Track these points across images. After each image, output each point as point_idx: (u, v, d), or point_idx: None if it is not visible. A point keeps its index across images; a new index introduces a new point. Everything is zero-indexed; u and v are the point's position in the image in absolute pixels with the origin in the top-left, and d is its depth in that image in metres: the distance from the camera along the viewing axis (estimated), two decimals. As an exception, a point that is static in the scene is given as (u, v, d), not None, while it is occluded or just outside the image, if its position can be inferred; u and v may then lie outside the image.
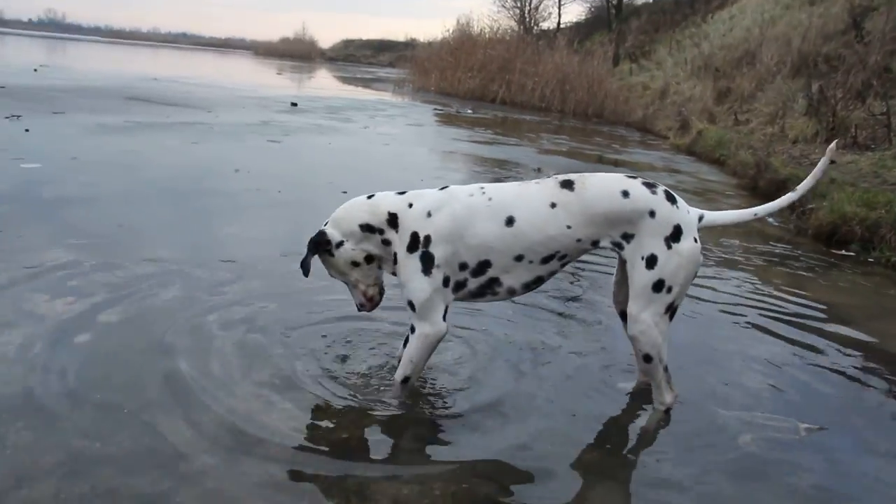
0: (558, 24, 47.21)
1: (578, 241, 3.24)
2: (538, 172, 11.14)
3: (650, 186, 3.22)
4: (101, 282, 4.45)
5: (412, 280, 3.20)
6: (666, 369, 3.39)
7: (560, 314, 4.81)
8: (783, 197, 3.51)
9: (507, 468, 2.97)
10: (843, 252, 7.64)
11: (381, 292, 3.50)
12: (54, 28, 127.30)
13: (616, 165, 13.45)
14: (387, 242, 3.31)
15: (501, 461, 3.01)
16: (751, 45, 24.32)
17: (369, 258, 3.36)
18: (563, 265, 3.38)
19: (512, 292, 3.36)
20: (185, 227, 6.09)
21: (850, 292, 6.24)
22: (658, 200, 3.18)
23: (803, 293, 5.93)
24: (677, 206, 3.21)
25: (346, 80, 39.39)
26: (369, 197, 3.42)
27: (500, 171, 10.60)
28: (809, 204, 8.89)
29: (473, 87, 28.93)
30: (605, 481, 2.97)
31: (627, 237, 3.21)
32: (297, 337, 3.95)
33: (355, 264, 3.37)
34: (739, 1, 33.67)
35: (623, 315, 3.46)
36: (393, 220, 3.29)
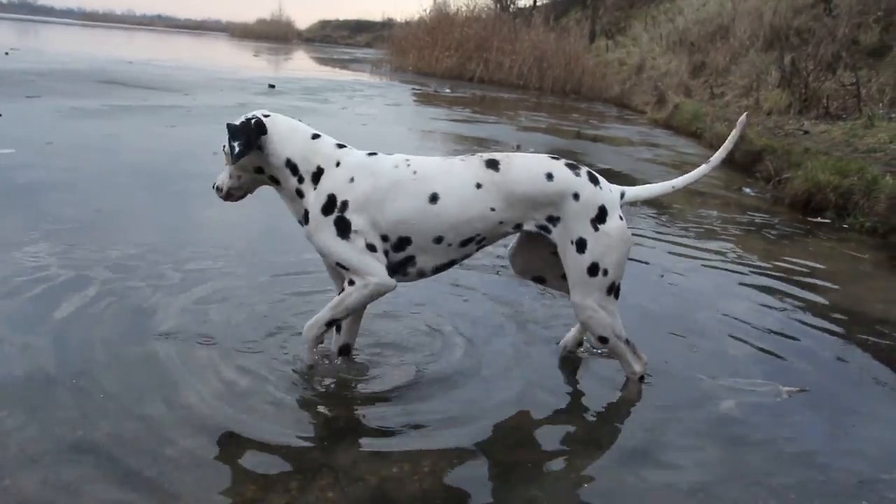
0: (534, 1, 46.81)
1: (501, 223, 3.14)
2: (517, 149, 11.09)
3: (573, 168, 3.14)
4: (77, 267, 4.35)
5: (331, 245, 3.10)
6: (627, 342, 3.32)
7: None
8: (698, 168, 3.39)
9: (493, 440, 2.95)
10: (819, 219, 7.67)
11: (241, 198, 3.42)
12: (26, 10, 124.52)
13: (594, 141, 13.41)
14: (300, 193, 3.20)
15: (487, 436, 2.98)
16: (724, 19, 24.30)
17: (272, 179, 3.27)
18: (479, 248, 3.27)
19: (421, 274, 3.25)
20: (163, 211, 5.99)
21: (828, 258, 6.26)
22: (581, 182, 3.10)
23: (782, 260, 5.94)
24: (600, 187, 3.13)
25: (323, 62, 39.00)
26: (315, 136, 3.29)
27: (480, 148, 10.49)
28: (785, 173, 8.92)
29: (451, 66, 28.75)
30: (592, 451, 2.94)
31: (553, 220, 3.12)
32: (278, 319, 3.89)
33: (257, 171, 3.26)
34: (712, -24, 33.66)
35: (533, 279, 3.58)
36: (318, 175, 3.17)
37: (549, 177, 3.07)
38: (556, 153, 9.32)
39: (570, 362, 3.70)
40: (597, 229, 3.07)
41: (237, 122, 3.16)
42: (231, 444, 2.74)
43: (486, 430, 3.01)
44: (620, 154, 11.65)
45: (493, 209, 3.08)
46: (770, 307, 4.78)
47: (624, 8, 38.67)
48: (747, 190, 9.14)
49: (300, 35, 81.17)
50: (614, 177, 9.26)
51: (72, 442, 2.65)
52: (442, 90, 21.97)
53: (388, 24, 49.59)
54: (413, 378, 3.36)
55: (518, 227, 3.17)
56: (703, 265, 5.64)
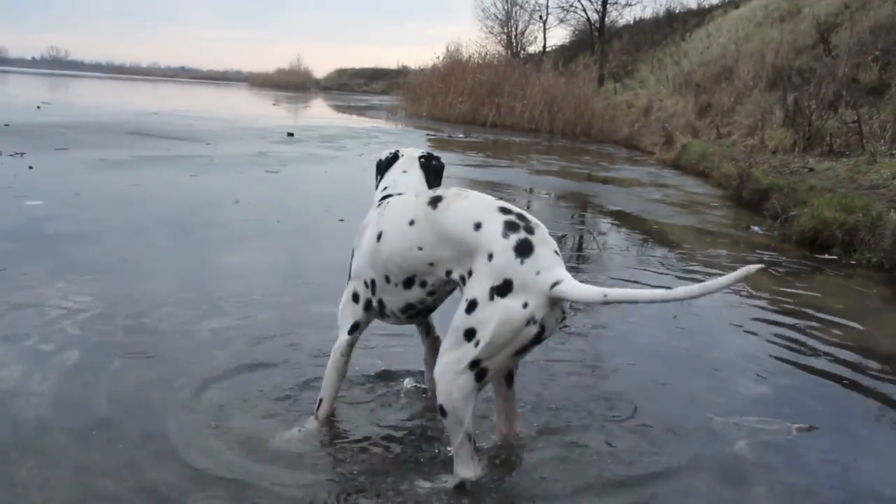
0: (544, 47, 47.30)
1: (431, 265, 2.81)
2: (530, 194, 11.15)
3: (510, 228, 2.61)
4: (102, 316, 4.38)
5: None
6: (470, 439, 2.70)
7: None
8: (653, 291, 2.54)
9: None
10: (826, 256, 7.61)
11: None
12: (57, 65, 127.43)
13: (605, 183, 13.45)
14: None
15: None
16: (728, 61, 24.45)
17: None
18: (431, 297, 2.96)
19: (397, 317, 3.07)
20: (186, 259, 6.03)
21: (835, 294, 6.20)
22: (503, 245, 2.57)
23: (791, 297, 5.89)
24: (522, 262, 2.54)
25: (340, 109, 39.49)
26: (403, 172, 3.34)
27: (493, 192, 10.53)
28: (792, 211, 8.88)
29: (464, 111, 29.00)
30: (607, 496, 2.90)
31: (470, 274, 2.67)
32: (298, 367, 3.87)
33: None
34: (715, 19, 33.94)
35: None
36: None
37: (477, 227, 2.66)
38: (568, 196, 9.36)
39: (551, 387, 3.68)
40: (492, 299, 2.54)
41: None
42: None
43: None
44: (630, 195, 11.66)
45: (420, 248, 2.82)
46: (780, 344, 4.73)
47: (631, 52, 39.04)
48: (755, 228, 9.10)
49: (318, 83, 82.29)
50: (625, 218, 9.29)
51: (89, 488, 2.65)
52: (456, 135, 22.15)
53: (402, 72, 50.24)
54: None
55: (449, 273, 2.79)
56: (713, 304, 5.59)
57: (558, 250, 2.67)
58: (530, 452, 3.13)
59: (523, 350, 2.61)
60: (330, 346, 3.18)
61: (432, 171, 3.36)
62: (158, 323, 4.33)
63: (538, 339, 2.58)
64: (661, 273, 6.47)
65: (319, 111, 37.34)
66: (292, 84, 73.29)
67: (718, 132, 19.08)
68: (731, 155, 14.57)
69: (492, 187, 11.13)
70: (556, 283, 2.52)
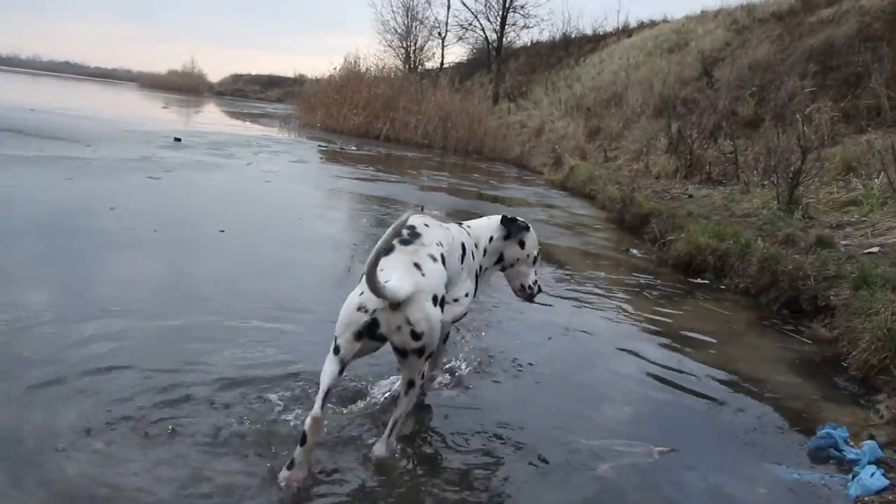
0: (441, 63, 47.77)
1: None
2: (421, 211, 11.20)
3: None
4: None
5: None
6: (322, 391, 2.88)
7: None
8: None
9: None
10: (699, 280, 7.96)
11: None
12: None
13: (493, 202, 13.64)
14: None
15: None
16: (618, 87, 25.37)
17: None
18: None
19: None
20: (55, 267, 5.76)
21: (705, 318, 6.49)
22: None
23: (663, 320, 6.13)
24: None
25: (233, 115, 38.61)
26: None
27: (380, 208, 10.54)
28: (669, 236, 9.26)
29: (358, 123, 28.87)
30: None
31: None
32: (163, 382, 3.75)
33: None
34: (609, 46, 35.15)
35: None
36: None
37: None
38: (456, 214, 9.41)
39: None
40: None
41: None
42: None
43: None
44: (517, 215, 11.85)
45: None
46: (650, 366, 4.91)
47: (526, 73, 39.90)
48: (635, 251, 9.43)
49: (212, 88, 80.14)
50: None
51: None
52: (348, 147, 22.00)
53: (299, 80, 49.59)
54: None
55: None
56: (588, 326, 5.76)
57: (420, 263, 3.01)
58: (386, 476, 3.13)
59: (360, 335, 2.88)
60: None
61: None
62: (20, 332, 4.11)
63: (372, 330, 2.87)
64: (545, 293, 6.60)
65: (211, 116, 36.38)
66: (185, 87, 71.05)
67: (606, 156, 19.74)
68: (617, 178, 15.09)
69: (380, 202, 11.13)
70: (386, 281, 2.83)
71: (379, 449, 3.13)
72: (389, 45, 48.65)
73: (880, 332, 4.86)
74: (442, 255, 3.22)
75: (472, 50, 48.72)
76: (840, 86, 14.40)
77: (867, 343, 4.95)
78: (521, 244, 3.96)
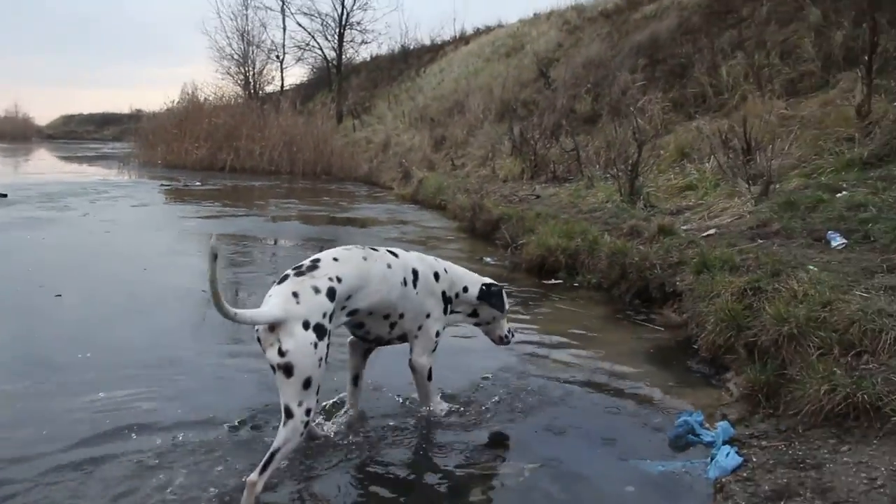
0: (282, 86, 47.02)
1: None
2: (269, 244, 10.89)
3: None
4: None
5: None
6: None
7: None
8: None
9: None
10: (553, 281, 8.07)
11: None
12: None
13: (345, 224, 13.45)
14: None
15: None
16: (459, 95, 25.73)
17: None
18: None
19: None
20: None
21: (561, 319, 6.58)
22: None
23: (521, 326, 6.12)
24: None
25: (67, 160, 36.29)
26: None
27: (230, 247, 10.07)
28: (521, 239, 9.36)
29: (202, 157, 27.90)
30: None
31: None
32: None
33: None
34: (447, 55, 35.68)
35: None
36: None
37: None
38: (308, 243, 9.19)
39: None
40: None
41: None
42: None
43: None
44: (369, 235, 11.72)
45: None
46: (507, 378, 4.88)
47: (368, 88, 39.91)
48: (488, 259, 9.47)
49: (41, 132, 75.46)
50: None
51: None
52: (192, 184, 21.09)
53: (135, 116, 47.66)
54: None
55: None
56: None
57: (299, 292, 3.33)
58: None
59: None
60: None
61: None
62: None
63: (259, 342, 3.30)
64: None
65: (42, 164, 34.02)
66: (9, 134, 66.47)
67: (453, 164, 19.92)
68: (465, 186, 15.22)
69: (229, 240, 10.64)
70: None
71: (252, 477, 3.12)
72: (227, 72, 47.45)
73: (723, 314, 5.03)
74: (330, 288, 3.42)
75: (312, 70, 48.30)
76: (667, 77, 15.14)
77: (713, 325, 5.11)
78: (499, 306, 4.37)
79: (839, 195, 7.24)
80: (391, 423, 4.09)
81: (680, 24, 16.96)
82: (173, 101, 32.46)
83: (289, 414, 3.19)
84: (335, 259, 3.62)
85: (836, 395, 3.52)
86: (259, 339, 3.27)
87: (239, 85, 46.85)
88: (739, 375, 4.54)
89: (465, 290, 4.26)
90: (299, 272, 3.46)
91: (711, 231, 7.70)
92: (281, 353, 3.19)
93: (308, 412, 3.22)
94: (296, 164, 26.67)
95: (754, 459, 3.50)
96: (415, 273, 3.96)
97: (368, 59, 45.74)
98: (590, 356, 5.49)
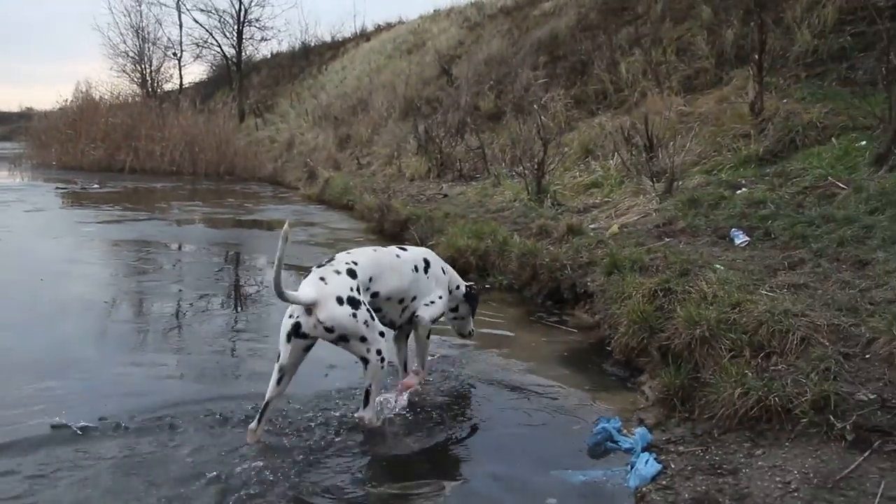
0: (181, 85, 45.64)
1: None
2: (173, 250, 10.50)
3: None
4: None
5: None
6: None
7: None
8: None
9: None
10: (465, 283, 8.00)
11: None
12: None
13: (251, 227, 13.10)
14: None
15: None
16: (363, 93, 25.52)
17: None
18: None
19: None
20: None
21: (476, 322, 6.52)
22: None
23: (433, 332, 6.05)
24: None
25: (-51, 166, 34.31)
26: None
27: (132, 253, 9.61)
28: (430, 241, 9.28)
29: (99, 157, 26.74)
30: None
31: None
32: None
33: None
34: (349, 52, 35.36)
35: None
36: None
37: None
38: (213, 248, 8.88)
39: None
40: None
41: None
42: None
43: None
44: (277, 238, 11.41)
45: None
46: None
47: (270, 86, 39.17)
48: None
49: (-84, 137, 71.04)
50: (273, 264, 9.07)
51: None
52: (90, 186, 20.15)
53: (26, 115, 45.40)
54: None
55: None
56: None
57: (325, 276, 3.91)
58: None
59: (289, 337, 3.88)
60: None
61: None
62: None
63: (297, 329, 3.85)
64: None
65: (-81, 172, 32.08)
66: None
67: (359, 163, 19.74)
68: (372, 185, 15.08)
69: (131, 246, 10.19)
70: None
71: (360, 413, 4.03)
72: (123, 70, 45.72)
73: (635, 315, 5.07)
74: (350, 269, 3.99)
75: (211, 67, 47.07)
76: (569, 74, 15.34)
77: (625, 327, 5.15)
78: (474, 308, 5.13)
79: (739, 192, 7.45)
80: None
81: (578, 21, 17.22)
82: (66, 100, 31.09)
83: (365, 361, 3.92)
84: (347, 253, 4.22)
85: (748, 398, 3.57)
86: (300, 328, 3.82)
87: (136, 83, 45.23)
88: (654, 379, 4.58)
89: (458, 287, 4.95)
90: (320, 265, 4.03)
91: (616, 230, 7.80)
92: (326, 328, 3.80)
93: (378, 352, 3.90)
94: (198, 164, 25.93)
95: (672, 466, 3.51)
96: (426, 262, 4.62)
97: (269, 56, 44.95)
98: (504, 360, 5.45)
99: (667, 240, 6.85)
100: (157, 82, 46.82)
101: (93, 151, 26.88)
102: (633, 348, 5.06)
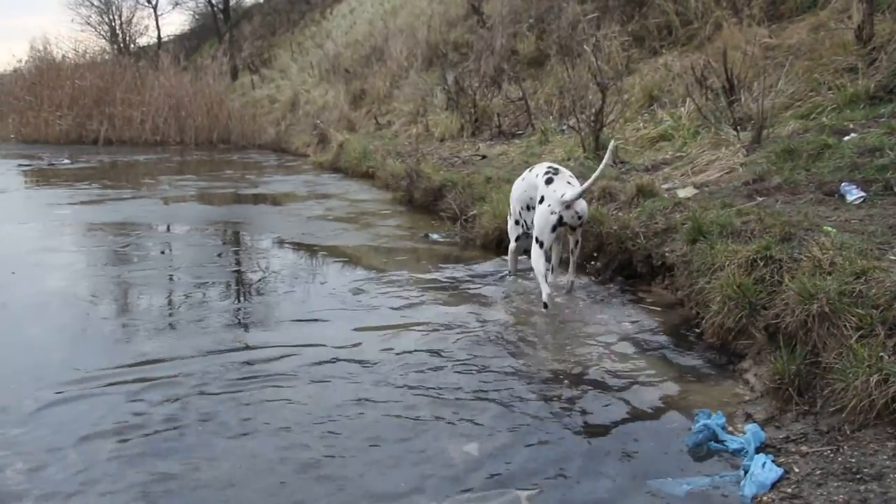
0: (159, 38, 45.90)
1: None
2: (165, 232, 10.50)
3: (546, 174, 6.37)
4: None
5: None
6: (543, 277, 6.23)
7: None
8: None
9: None
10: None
11: None
12: None
13: (256, 202, 13.11)
14: None
15: None
16: (377, 39, 25.38)
17: None
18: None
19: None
20: None
21: (532, 302, 6.43)
22: (542, 182, 6.33)
23: (480, 319, 5.99)
24: (547, 186, 6.25)
25: None
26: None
27: (118, 238, 9.63)
28: (471, 210, 9.21)
29: (67, 128, 26.96)
30: None
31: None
32: None
33: None
34: (357, -8, 35.18)
35: None
36: None
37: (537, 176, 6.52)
38: (213, 227, 8.85)
39: None
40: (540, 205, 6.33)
41: None
42: None
43: None
44: (287, 215, 11.43)
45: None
46: (485, 382, 4.73)
47: (266, 36, 39.23)
48: (434, 236, 9.30)
49: None
50: (284, 247, 9.07)
51: None
52: (60, 162, 20.29)
53: (-31, 81, 45.94)
54: None
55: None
56: (410, 346, 5.48)
57: (571, 180, 6.28)
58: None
59: (553, 228, 6.14)
60: None
61: None
62: None
63: (560, 222, 6.12)
64: (343, 309, 6.29)
65: None
66: None
67: (378, 123, 19.70)
68: (396, 149, 15.01)
69: (116, 230, 10.20)
70: (562, 195, 6.08)
71: (567, 277, 6.67)
72: (87, 23, 46.02)
73: (730, 290, 4.94)
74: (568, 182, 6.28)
75: (194, 16, 47.32)
76: (624, 6, 15.07)
77: (719, 304, 5.02)
78: None
79: (847, 138, 7.25)
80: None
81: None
82: (21, 60, 31.29)
83: (577, 243, 6.44)
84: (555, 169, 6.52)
85: (889, 386, 3.46)
86: (560, 217, 6.11)
87: (104, 38, 45.58)
88: (761, 365, 4.48)
89: None
90: (556, 172, 6.39)
91: (694, 191, 7.66)
92: (579, 217, 6.23)
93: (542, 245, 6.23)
94: (186, 131, 26.09)
95: (796, 470, 3.42)
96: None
97: (262, 0, 44.90)
98: (570, 348, 5.37)
99: (759, 199, 6.69)
100: (130, 36, 47.09)
101: (59, 121, 27.08)
102: (729, 329, 4.93)
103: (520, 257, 7.23)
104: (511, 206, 7.01)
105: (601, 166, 5.87)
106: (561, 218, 6.02)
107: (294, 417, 4.29)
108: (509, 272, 7.22)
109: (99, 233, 10.21)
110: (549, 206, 6.08)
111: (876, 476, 3.17)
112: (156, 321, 6.23)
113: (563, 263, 6.91)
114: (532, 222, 6.44)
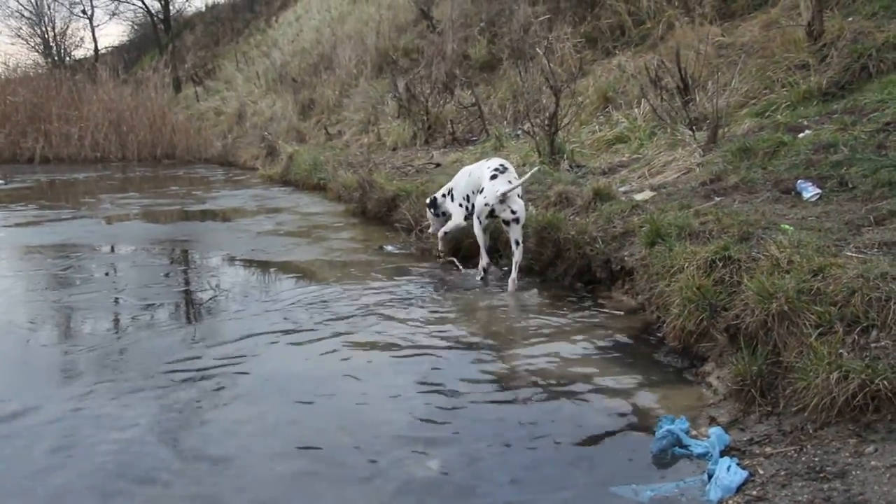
0: (96, 50, 45.45)
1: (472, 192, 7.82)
2: (109, 253, 10.36)
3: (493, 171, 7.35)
4: None
5: None
6: (485, 251, 7.55)
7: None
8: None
9: None
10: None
11: None
12: None
13: (203, 219, 13.00)
14: None
15: None
16: (324, 47, 25.37)
17: None
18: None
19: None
20: None
21: (492, 311, 6.49)
22: (487, 177, 7.32)
23: (439, 327, 6.01)
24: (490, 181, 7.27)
25: None
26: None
27: (58, 260, 9.46)
28: (425, 221, 9.23)
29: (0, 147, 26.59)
30: None
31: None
32: None
33: None
34: (302, -1, 35.13)
35: None
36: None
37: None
38: (160, 246, 8.72)
39: None
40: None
41: None
42: None
43: None
44: (237, 231, 11.34)
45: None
46: (441, 383, 4.75)
47: (209, 46, 39.00)
48: (389, 248, 9.31)
49: None
50: (234, 264, 9.01)
51: None
52: (-9, 183, 20.04)
53: None
54: None
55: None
56: (366, 361, 5.49)
57: (513, 179, 7.20)
58: None
59: (489, 215, 7.19)
60: None
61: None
62: None
63: (492, 214, 7.16)
64: (296, 327, 6.27)
65: None
66: None
67: (328, 133, 19.67)
68: (347, 159, 14.99)
69: (55, 252, 10.04)
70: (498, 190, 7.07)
71: (510, 284, 7.07)
72: (17, 35, 45.39)
73: (690, 292, 5.02)
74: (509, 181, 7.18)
75: (133, 27, 46.84)
76: (576, 8, 15.24)
77: (679, 308, 5.09)
78: None
79: (801, 135, 7.41)
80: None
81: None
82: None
83: (517, 243, 7.06)
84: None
85: (849, 383, 3.53)
86: (492, 210, 7.10)
87: (37, 51, 44.94)
88: (723, 367, 4.55)
89: None
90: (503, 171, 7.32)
91: (650, 194, 7.75)
92: (513, 211, 6.96)
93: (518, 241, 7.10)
94: (128, 147, 25.79)
95: (761, 472, 3.48)
96: None
97: (204, 9, 44.68)
98: (530, 355, 5.41)
99: (717, 199, 6.80)
100: (65, 48, 46.47)
101: (-10, 140, 26.55)
102: (690, 332, 5.00)
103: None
104: (455, 189, 8.12)
105: (523, 179, 7.25)
106: (493, 209, 7.07)
107: (249, 444, 4.28)
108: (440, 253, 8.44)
109: (37, 255, 10.00)
110: (485, 198, 7.13)
111: (839, 474, 3.24)
112: (100, 346, 6.13)
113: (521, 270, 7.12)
114: (473, 206, 7.56)
